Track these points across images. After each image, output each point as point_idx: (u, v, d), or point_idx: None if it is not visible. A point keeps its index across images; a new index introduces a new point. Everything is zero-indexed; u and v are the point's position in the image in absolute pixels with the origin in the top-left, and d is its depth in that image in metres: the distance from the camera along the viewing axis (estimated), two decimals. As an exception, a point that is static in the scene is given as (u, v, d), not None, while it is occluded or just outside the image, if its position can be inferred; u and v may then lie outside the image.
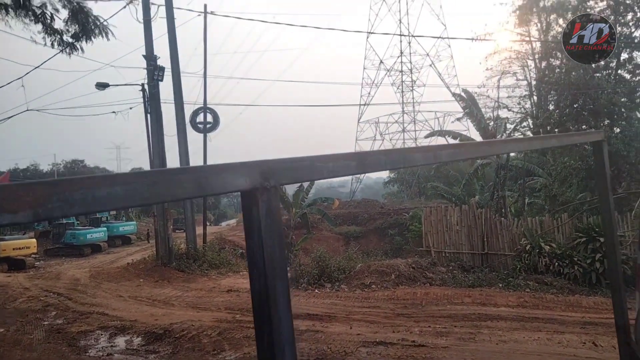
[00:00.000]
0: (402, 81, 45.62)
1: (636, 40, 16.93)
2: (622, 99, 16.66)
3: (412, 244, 18.30)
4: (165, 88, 16.12)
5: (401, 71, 45.63)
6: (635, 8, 16.84)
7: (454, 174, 32.46)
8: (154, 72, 14.60)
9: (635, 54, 17.12)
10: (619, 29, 17.17)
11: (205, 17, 18.13)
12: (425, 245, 14.13)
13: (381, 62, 46.91)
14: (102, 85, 16.60)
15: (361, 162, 1.77)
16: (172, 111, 15.66)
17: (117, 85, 17.30)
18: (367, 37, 43.12)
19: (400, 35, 42.70)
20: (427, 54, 45.15)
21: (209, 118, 17.18)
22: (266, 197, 1.29)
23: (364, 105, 47.69)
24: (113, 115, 19.25)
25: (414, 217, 20.58)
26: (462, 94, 22.83)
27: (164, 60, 15.36)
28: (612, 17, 17.09)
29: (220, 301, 10.84)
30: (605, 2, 17.56)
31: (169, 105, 16.97)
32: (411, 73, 45.43)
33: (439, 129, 41.02)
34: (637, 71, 17.07)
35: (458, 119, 29.84)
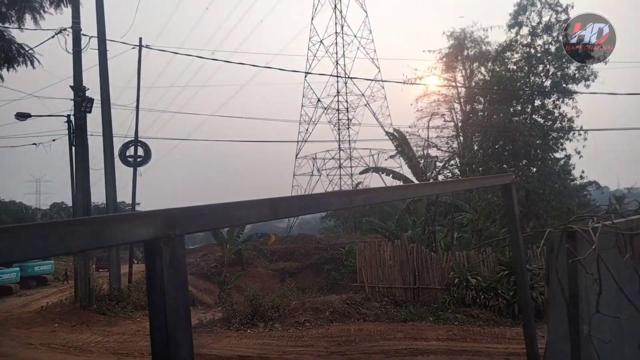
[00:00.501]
0: (338, 119, 46.93)
1: (547, 89, 18.71)
2: (537, 141, 18.18)
3: (347, 280, 18.38)
4: (94, 120, 15.44)
5: (338, 110, 47.02)
6: (545, 61, 18.69)
7: (388, 209, 33.41)
8: (82, 103, 13.99)
9: (546, 101, 18.85)
10: (532, 78, 18.95)
11: (140, 50, 17.81)
12: (359, 280, 14.25)
13: (319, 100, 48.16)
14: (22, 116, 15.58)
15: (274, 208, 1.79)
16: (99, 144, 14.99)
17: (40, 116, 16.35)
18: (305, 77, 44.24)
19: (337, 76, 44.18)
20: (363, 94, 46.97)
21: (140, 151, 16.61)
22: (170, 247, 1.27)
23: (302, 142, 48.35)
24: (34, 147, 18.11)
25: (349, 252, 20.79)
26: (395, 133, 23.91)
27: (93, 91, 14.80)
28: (526, 68, 18.86)
29: (144, 346, 10.17)
30: (519, 54, 19.35)
31: (96, 137, 16.25)
32: (347, 112, 46.93)
33: (374, 165, 42.40)
34: (549, 117, 18.75)
35: (391, 157, 31.07)
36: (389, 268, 13.79)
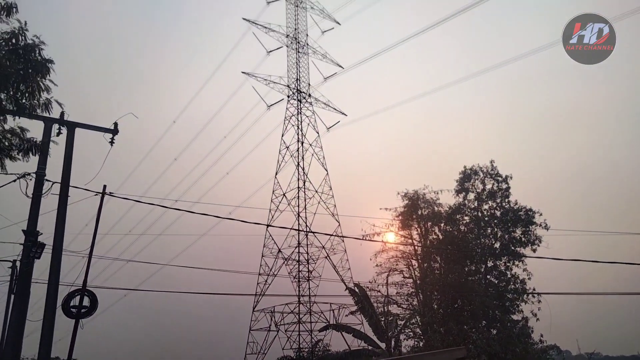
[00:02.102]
0: (299, 270, 46.55)
1: (497, 251, 19.68)
2: (494, 302, 18.41)
3: None
4: (40, 266, 14.61)
5: (298, 261, 46.93)
6: (492, 224, 20.05)
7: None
8: (32, 248, 13.36)
9: (498, 262, 19.66)
10: (482, 239, 20.05)
11: (102, 198, 17.86)
12: None
13: (279, 251, 48.23)
14: (-39, 259, 14.57)
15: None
16: (40, 292, 13.92)
17: (-19, 259, 15.34)
18: (267, 228, 44.90)
19: (298, 230, 45.10)
20: (323, 247, 47.60)
21: (86, 301, 15.38)
22: None
23: (260, 294, 46.84)
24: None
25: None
26: (355, 288, 23.69)
27: (46, 236, 14.30)
28: (476, 230, 20.08)
29: None
30: (468, 217, 20.74)
31: (39, 285, 15.18)
32: (307, 263, 46.87)
33: (334, 321, 40.75)
34: (502, 277, 19.37)
35: (352, 313, 30.17)
36: None
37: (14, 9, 8.78)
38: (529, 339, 19.02)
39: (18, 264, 14.10)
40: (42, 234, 13.98)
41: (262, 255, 48.67)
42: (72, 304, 15.12)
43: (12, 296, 13.87)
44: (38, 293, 14.54)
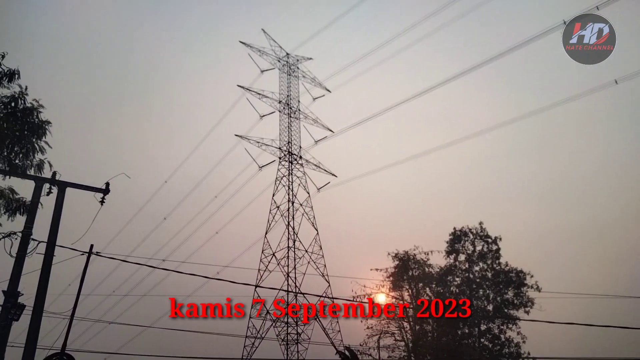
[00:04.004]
0: (287, 333, 45.06)
1: (490, 314, 19.37)
2: (489, 366, 17.87)
3: None
4: (17, 328, 14.03)
5: (287, 323, 45.54)
6: (484, 285, 19.90)
7: None
8: (11, 310, 12.91)
9: (491, 325, 19.30)
10: (474, 301, 19.80)
11: (88, 257, 17.56)
12: None
13: (267, 312, 46.88)
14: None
15: None
16: (15, 356, 13.28)
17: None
18: (255, 289, 44.00)
19: (287, 291, 44.24)
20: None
21: (64, 367, 14.67)
22: None
23: (247, 359, 44.97)
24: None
25: None
26: (346, 351, 22.92)
27: (27, 297, 13.85)
28: (468, 292, 19.87)
29: None
30: (460, 278, 20.59)
31: (15, 349, 14.51)
32: (297, 325, 45.45)
33: (324, 388, 38.87)
34: (496, 341, 18.93)
35: (342, 379, 28.91)
36: None
37: (16, 75, 9.13)
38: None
39: (-5, 326, 13.51)
40: (22, 294, 13.56)
41: (250, 317, 47.21)
42: (49, 370, 14.39)
43: (-14, 361, 13.18)
44: (14, 356, 13.84)
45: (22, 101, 9.44)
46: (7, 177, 10.79)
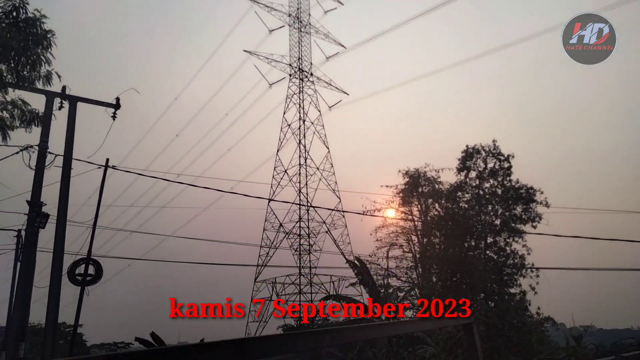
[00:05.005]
0: (299, 244, 47.11)
1: (497, 228, 19.82)
2: (492, 276, 18.68)
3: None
4: (44, 235, 14.88)
5: (299, 235, 47.44)
6: (493, 202, 20.14)
7: (348, 342, 31.94)
8: (37, 218, 13.58)
9: (497, 238, 19.82)
10: (482, 216, 20.17)
11: (105, 170, 17.99)
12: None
13: (281, 225, 48.68)
14: (-33, 228, 14.86)
15: (240, 349, 1.76)
16: (46, 260, 14.24)
17: (-13, 229, 15.62)
18: (269, 203, 45.20)
19: (300, 204, 45.45)
20: (324, 222, 48.00)
21: (91, 270, 15.73)
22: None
23: (262, 266, 47.57)
24: (-27, 261, 16.97)
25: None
26: (356, 261, 24.03)
27: (50, 206, 14.50)
28: (477, 207, 20.17)
29: None
30: (469, 194, 20.81)
31: (44, 254, 15.49)
32: (309, 237, 47.36)
33: (334, 292, 41.50)
34: (502, 253, 19.57)
35: (352, 284, 30.69)
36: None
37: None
38: (526, 312, 19.38)
39: (23, 233, 14.34)
40: (46, 204, 14.18)
41: (264, 229, 49.18)
42: (77, 272, 15.47)
43: (19, 264, 14.19)
44: (44, 262, 14.84)
45: (24, 11, 9.11)
46: (17, 90, 10.73)
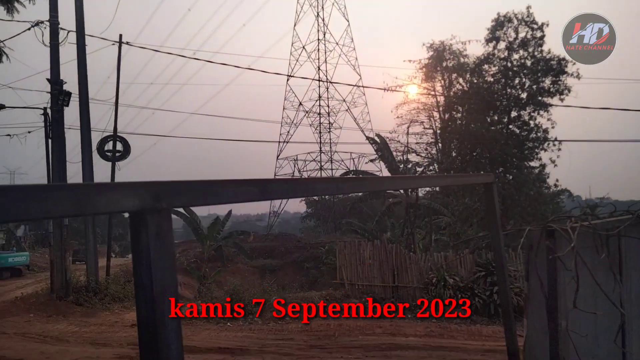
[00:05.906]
0: (320, 123, 47.07)
1: (523, 101, 19.12)
2: (513, 150, 18.57)
3: (327, 277, 18.42)
4: (71, 114, 15.13)
5: (319, 114, 47.16)
6: (521, 74, 19.11)
7: (368, 211, 33.63)
8: (59, 96, 13.65)
9: (522, 112, 19.26)
10: (508, 90, 19.34)
11: (119, 47, 17.48)
12: (339, 278, 14.29)
13: (300, 104, 48.23)
14: (-4, 106, 15.13)
15: (263, 188, 1.76)
16: (77, 137, 14.66)
17: (15, 107, 15.89)
18: (287, 80, 44.21)
19: (319, 80, 44.32)
20: (344, 100, 47.23)
21: (119, 146, 16.28)
22: (157, 219, 1.23)
23: (283, 142, 48.30)
24: (8, 138, 17.64)
25: (330, 251, 20.84)
26: (376, 137, 24.09)
27: (71, 85, 14.47)
28: (503, 80, 19.24)
29: (123, 336, 9.97)
30: (496, 67, 19.72)
31: (74, 131, 15.89)
32: (328, 116, 47.10)
33: (354, 168, 42.61)
34: (525, 127, 19.17)
35: (372, 161, 31.25)
36: (369, 267, 13.87)
37: None
38: (544, 184, 19.61)
39: (49, 111, 14.58)
40: (66, 82, 14.15)
41: (284, 108, 48.89)
42: (106, 148, 16.04)
43: (50, 141, 14.69)
44: (74, 138, 15.26)
45: None
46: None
